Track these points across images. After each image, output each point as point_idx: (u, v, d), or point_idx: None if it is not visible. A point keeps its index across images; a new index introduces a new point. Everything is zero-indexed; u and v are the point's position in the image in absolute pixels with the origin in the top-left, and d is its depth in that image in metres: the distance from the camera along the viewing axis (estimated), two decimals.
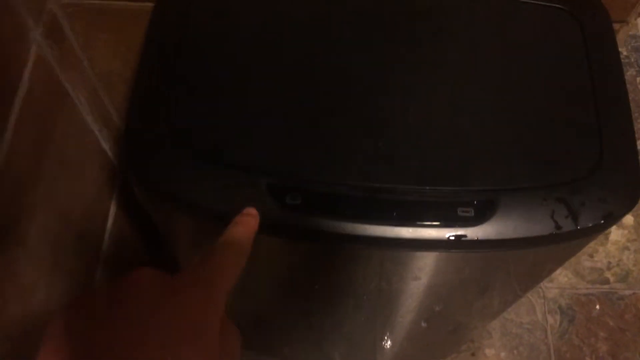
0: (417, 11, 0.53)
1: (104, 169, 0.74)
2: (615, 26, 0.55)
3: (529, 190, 0.44)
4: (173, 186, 0.44)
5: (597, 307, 1.13)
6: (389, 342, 0.81)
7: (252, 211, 0.36)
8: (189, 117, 0.46)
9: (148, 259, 0.88)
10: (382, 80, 0.49)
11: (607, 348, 1.09)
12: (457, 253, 0.46)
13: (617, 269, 1.17)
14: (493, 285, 0.62)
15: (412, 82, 0.49)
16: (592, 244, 1.14)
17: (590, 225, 0.44)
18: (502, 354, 1.10)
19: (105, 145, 0.74)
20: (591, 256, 1.17)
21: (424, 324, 0.71)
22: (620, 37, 0.59)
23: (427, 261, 0.49)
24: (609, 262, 1.17)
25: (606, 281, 1.16)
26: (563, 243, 0.45)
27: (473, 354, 1.09)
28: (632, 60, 1.34)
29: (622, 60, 0.52)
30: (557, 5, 0.54)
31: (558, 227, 0.43)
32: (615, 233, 1.20)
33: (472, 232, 0.43)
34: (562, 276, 1.16)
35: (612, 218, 0.44)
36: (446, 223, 0.43)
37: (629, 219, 1.21)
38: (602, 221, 0.44)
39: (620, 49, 0.53)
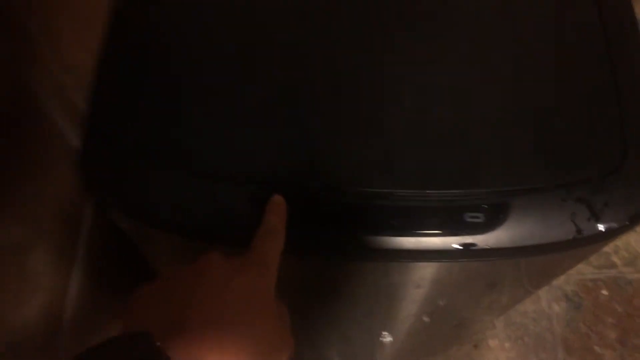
0: None
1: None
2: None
3: (545, 191, 0.40)
4: (141, 207, 0.41)
5: (604, 292, 1.11)
6: (389, 338, 0.78)
7: (280, 199, 0.39)
8: (160, 130, 0.42)
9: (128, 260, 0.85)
10: (377, 70, 0.45)
11: (615, 335, 1.07)
12: (467, 263, 0.42)
13: (625, 252, 1.14)
14: (502, 285, 0.59)
15: (409, 70, 0.45)
16: None
17: (616, 227, 0.40)
18: (507, 345, 1.07)
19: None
20: None
21: (426, 319, 0.68)
22: None
23: (430, 270, 0.46)
24: (616, 245, 1.15)
25: (613, 265, 1.13)
26: (584, 248, 0.41)
27: (476, 346, 1.07)
28: None
29: None
30: None
31: (579, 231, 0.40)
32: None
33: (482, 240, 0.40)
34: None
35: None
36: (452, 231, 0.40)
37: None
38: (628, 222, 0.41)
39: None
